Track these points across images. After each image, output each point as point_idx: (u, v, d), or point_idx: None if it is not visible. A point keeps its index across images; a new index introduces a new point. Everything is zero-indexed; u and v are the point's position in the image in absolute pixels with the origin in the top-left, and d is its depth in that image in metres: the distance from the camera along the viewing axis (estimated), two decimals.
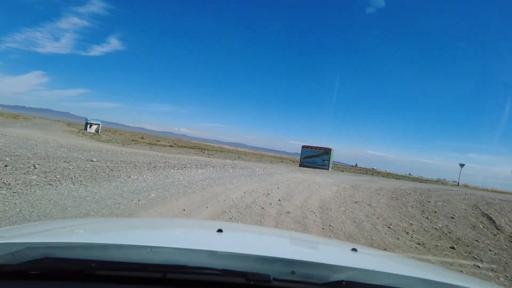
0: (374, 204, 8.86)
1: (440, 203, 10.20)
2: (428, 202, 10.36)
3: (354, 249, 1.44)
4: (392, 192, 11.88)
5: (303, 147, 29.66)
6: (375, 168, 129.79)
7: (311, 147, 28.95)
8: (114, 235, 1.41)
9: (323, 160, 27.75)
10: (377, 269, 1.06)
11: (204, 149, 45.99)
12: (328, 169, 26.67)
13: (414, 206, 9.35)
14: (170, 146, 39.19)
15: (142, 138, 49.54)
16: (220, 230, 1.37)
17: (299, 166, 28.74)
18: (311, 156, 28.56)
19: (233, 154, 40.81)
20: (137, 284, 0.91)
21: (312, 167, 27.86)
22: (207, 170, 11.06)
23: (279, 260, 1.02)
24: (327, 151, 27.79)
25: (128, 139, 40.26)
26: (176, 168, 10.14)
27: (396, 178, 29.29)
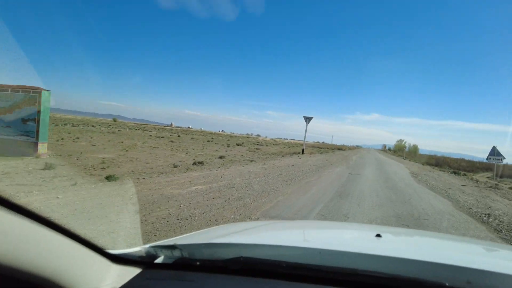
0: None
1: None
2: None
3: None
4: None
5: None
6: (190, 126, 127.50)
7: None
8: (290, 237, 1.54)
9: (24, 122, 10.54)
10: None
11: None
12: (37, 145, 10.05)
13: None
14: None
15: None
16: (378, 235, 1.35)
17: None
18: None
19: None
20: (309, 283, 0.94)
21: None
22: None
23: (452, 267, 0.93)
24: (31, 98, 10.43)
25: None
26: None
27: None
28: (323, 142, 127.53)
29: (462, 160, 48.97)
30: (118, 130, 33.19)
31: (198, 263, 1.04)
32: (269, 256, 1.04)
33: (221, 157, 15.07)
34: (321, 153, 29.65)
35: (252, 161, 14.09)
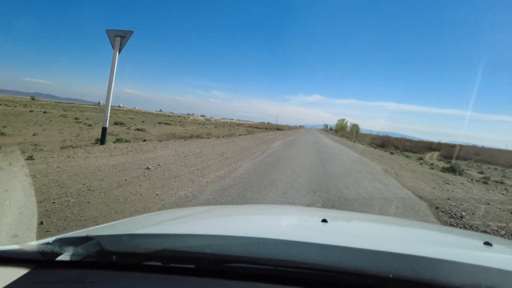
0: None
1: None
2: None
3: (487, 243, 1.16)
4: None
5: None
6: (121, 105, 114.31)
7: None
8: (221, 225, 1.35)
9: None
10: None
11: None
12: None
13: None
14: None
15: None
16: (324, 220, 1.29)
17: None
18: None
19: None
20: (244, 280, 0.83)
21: None
22: None
23: (396, 255, 0.88)
24: None
25: None
26: None
27: None
28: (268, 123, 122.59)
29: (406, 139, 46.05)
30: None
31: (114, 257, 0.88)
32: (198, 248, 0.91)
33: None
34: (236, 134, 21.60)
35: None
